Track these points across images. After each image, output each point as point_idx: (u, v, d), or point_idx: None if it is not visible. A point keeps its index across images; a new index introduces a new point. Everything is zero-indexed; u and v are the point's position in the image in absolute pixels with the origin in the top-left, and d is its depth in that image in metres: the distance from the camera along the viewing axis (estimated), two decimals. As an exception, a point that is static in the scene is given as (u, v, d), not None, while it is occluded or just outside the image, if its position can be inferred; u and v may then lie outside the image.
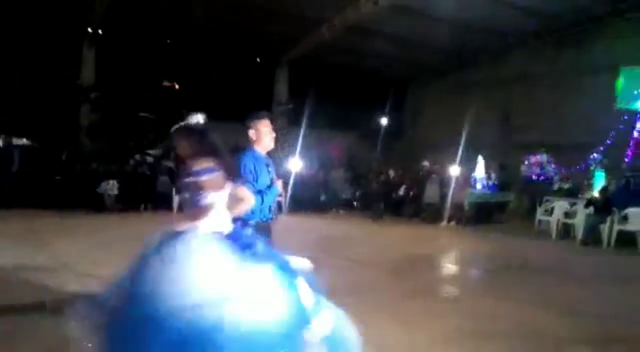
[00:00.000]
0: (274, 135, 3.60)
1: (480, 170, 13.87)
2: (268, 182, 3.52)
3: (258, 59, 18.26)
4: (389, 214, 13.74)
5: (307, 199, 13.88)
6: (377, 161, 17.43)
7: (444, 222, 12.66)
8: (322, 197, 14.36)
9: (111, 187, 12.37)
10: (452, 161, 13.73)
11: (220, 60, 17.19)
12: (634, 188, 11.15)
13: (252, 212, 3.37)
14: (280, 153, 13.77)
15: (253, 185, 3.37)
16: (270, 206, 3.58)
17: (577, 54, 14.86)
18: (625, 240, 10.30)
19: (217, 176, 2.61)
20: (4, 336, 3.88)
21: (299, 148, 14.85)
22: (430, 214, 13.10)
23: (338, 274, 6.54)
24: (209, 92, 16.20)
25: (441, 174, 13.63)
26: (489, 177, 13.85)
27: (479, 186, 13.67)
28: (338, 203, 14.67)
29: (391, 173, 15.19)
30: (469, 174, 13.76)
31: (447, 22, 14.25)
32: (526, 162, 13.85)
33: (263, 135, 3.53)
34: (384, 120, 22.09)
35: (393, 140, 21.45)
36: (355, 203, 15.12)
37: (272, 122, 3.62)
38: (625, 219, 10.44)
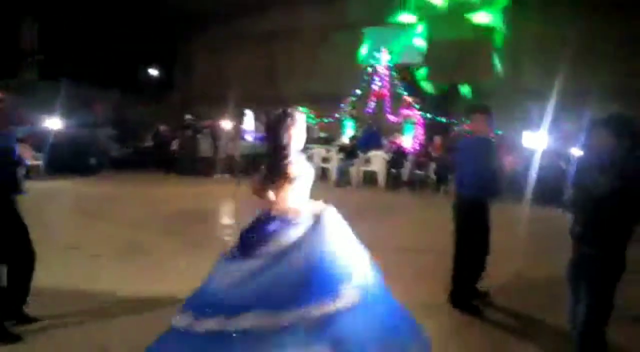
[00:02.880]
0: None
1: (249, 122, 14.63)
2: None
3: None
4: (162, 170, 13.75)
5: (71, 161, 12.88)
6: (148, 116, 16.88)
7: (218, 175, 13.17)
8: (91, 159, 13.40)
9: None
10: (224, 114, 14.18)
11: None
12: (375, 134, 13.14)
13: None
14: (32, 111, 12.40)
15: None
16: (13, 177, 3.56)
17: (328, 12, 16.39)
18: (370, 178, 12.27)
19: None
20: None
21: (58, 105, 13.55)
22: (204, 167, 13.44)
23: (107, 239, 6.52)
24: None
25: (213, 127, 13.98)
26: (257, 129, 14.73)
27: (248, 138, 14.46)
28: (107, 163, 13.94)
29: (162, 128, 14.94)
30: (239, 126, 14.42)
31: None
32: (289, 114, 14.96)
33: None
34: (153, 73, 21.29)
35: (165, 94, 20.91)
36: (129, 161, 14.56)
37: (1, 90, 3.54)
38: (368, 161, 12.36)
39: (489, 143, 4.26)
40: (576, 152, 9.70)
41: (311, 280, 2.67)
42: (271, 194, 2.92)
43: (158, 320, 4.00)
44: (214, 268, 2.91)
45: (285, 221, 2.87)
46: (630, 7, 12.39)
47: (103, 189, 11.11)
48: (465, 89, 14.17)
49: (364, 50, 15.02)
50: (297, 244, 2.79)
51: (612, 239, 2.81)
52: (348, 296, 2.68)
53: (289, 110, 3.02)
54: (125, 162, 14.40)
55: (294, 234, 2.82)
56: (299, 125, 2.98)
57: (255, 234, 2.89)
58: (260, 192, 2.93)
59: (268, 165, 2.95)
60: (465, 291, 4.33)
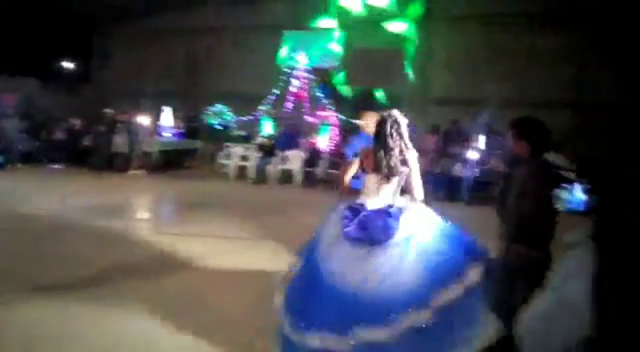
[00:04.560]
0: None
1: (166, 118, 14.55)
2: None
3: None
4: (74, 165, 13.37)
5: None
6: (60, 108, 16.23)
7: (133, 171, 13.00)
8: (-3, 152, 12.73)
9: None
10: (141, 109, 14.01)
11: None
12: (292, 134, 13.52)
13: None
14: None
15: None
16: None
17: (250, 12, 16.68)
18: (287, 177, 12.63)
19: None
20: None
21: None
22: (118, 163, 13.22)
23: (20, 242, 6.44)
24: None
25: (129, 122, 13.75)
26: (176, 126, 14.67)
27: (166, 134, 14.38)
28: (14, 156, 13.31)
29: (76, 122, 14.49)
30: (156, 122, 14.30)
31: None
32: (208, 112, 15.06)
33: None
34: (68, 64, 20.51)
35: (81, 86, 20.19)
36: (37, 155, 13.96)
37: None
38: (285, 160, 12.73)
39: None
40: (472, 154, 10.65)
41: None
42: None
43: (66, 307, 4.16)
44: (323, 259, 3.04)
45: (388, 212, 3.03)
46: (530, 23, 13.76)
47: (9, 184, 10.68)
48: (379, 94, 14.91)
49: (283, 52, 15.41)
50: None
51: (527, 236, 2.84)
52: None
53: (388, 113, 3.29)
54: (34, 156, 13.82)
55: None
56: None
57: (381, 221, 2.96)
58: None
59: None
60: None
